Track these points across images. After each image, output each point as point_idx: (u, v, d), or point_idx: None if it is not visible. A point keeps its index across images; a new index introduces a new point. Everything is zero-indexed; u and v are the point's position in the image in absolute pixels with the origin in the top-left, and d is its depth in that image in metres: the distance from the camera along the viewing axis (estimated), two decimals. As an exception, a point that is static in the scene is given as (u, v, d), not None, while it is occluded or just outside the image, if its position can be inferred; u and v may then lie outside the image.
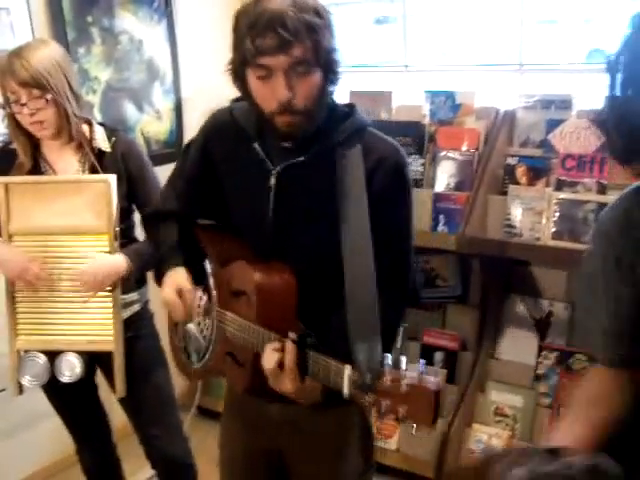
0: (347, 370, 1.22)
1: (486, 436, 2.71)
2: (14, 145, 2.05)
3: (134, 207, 2.16)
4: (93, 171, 2.05)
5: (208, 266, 1.63)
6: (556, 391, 2.69)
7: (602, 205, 2.42)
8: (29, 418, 2.83)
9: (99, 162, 2.05)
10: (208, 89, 3.34)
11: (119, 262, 2.03)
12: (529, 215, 2.64)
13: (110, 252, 2.03)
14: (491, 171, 2.74)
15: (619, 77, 1.24)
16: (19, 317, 2.11)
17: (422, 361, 1.18)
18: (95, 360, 2.18)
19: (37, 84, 1.91)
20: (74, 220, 2.03)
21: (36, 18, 2.64)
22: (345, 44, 3.46)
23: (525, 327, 2.83)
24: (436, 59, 3.27)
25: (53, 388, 2.18)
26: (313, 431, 1.60)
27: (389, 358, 1.17)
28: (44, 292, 2.07)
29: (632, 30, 1.22)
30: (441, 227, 2.75)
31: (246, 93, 1.41)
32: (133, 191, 2.11)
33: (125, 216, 2.10)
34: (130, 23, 3.03)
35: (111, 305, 2.08)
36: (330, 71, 1.37)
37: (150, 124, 3.21)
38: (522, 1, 2.85)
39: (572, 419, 1.39)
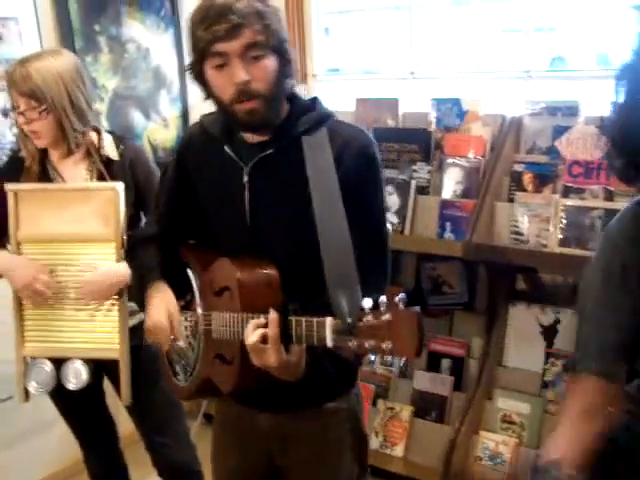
0: (328, 320, 1.24)
1: (493, 443, 2.70)
2: (23, 153, 2.06)
3: (141, 215, 2.17)
4: (101, 179, 2.06)
5: (191, 276, 1.65)
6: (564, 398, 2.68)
7: (609, 212, 2.41)
8: (36, 425, 2.84)
9: (107, 170, 2.06)
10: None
11: (123, 270, 2.03)
12: (536, 222, 2.63)
13: (117, 260, 2.04)
14: (498, 178, 2.74)
15: (624, 87, 1.25)
16: (26, 324, 2.12)
17: (402, 295, 1.17)
18: (102, 367, 2.18)
19: (33, 95, 1.92)
20: (82, 227, 2.04)
21: (44, 27, 2.67)
22: (352, 51, 3.49)
23: (532, 334, 2.82)
24: (442, 66, 3.27)
25: (60, 395, 2.18)
26: (305, 440, 1.60)
27: (369, 301, 1.18)
28: (51, 299, 2.08)
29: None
30: (448, 234, 2.75)
31: (207, 90, 1.45)
32: (140, 199, 2.12)
33: (132, 224, 2.11)
34: (137, 31, 3.04)
35: (117, 313, 2.08)
36: (284, 58, 1.42)
37: (157, 132, 3.22)
38: (528, 8, 2.85)
39: (563, 433, 1.40)
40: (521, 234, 2.65)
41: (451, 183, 2.81)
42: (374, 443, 2.88)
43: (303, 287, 1.42)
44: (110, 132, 2.15)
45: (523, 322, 2.85)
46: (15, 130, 2.08)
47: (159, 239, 1.70)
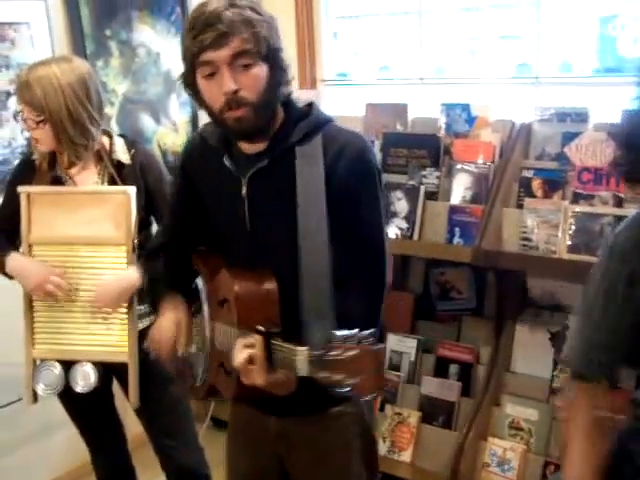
0: (302, 350, 1.24)
1: (501, 450, 2.70)
2: (35, 156, 2.07)
3: (152, 219, 2.18)
4: (112, 182, 2.07)
5: (200, 283, 1.67)
6: (572, 405, 2.67)
7: (618, 218, 2.41)
8: (44, 427, 2.85)
9: (118, 174, 2.07)
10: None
11: (133, 277, 2.04)
12: (545, 228, 2.62)
13: (128, 263, 2.05)
14: (507, 184, 2.73)
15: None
16: (36, 326, 2.13)
17: (372, 330, 1.19)
18: (111, 370, 2.19)
19: (32, 105, 1.93)
20: (93, 231, 2.05)
21: (56, 32, 2.69)
22: (362, 56, 3.49)
23: (541, 340, 2.81)
24: (452, 72, 3.28)
25: (69, 397, 2.19)
26: (309, 444, 1.61)
27: (342, 334, 1.19)
28: (61, 302, 2.09)
29: None
30: (457, 240, 2.74)
31: (199, 100, 1.45)
32: (151, 203, 2.13)
33: (143, 227, 2.12)
34: (148, 36, 3.06)
35: (126, 316, 2.09)
36: (276, 67, 1.41)
37: (167, 136, 3.23)
38: (539, 14, 2.85)
39: (573, 459, 1.42)
40: (530, 240, 2.64)
41: (460, 189, 2.81)
42: (381, 448, 2.87)
43: (294, 305, 1.41)
44: (122, 136, 2.16)
45: (532, 328, 2.84)
46: (27, 133, 2.09)
47: (170, 247, 1.71)
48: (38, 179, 2.07)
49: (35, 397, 2.15)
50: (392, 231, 2.80)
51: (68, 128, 1.94)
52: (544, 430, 2.70)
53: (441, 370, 2.94)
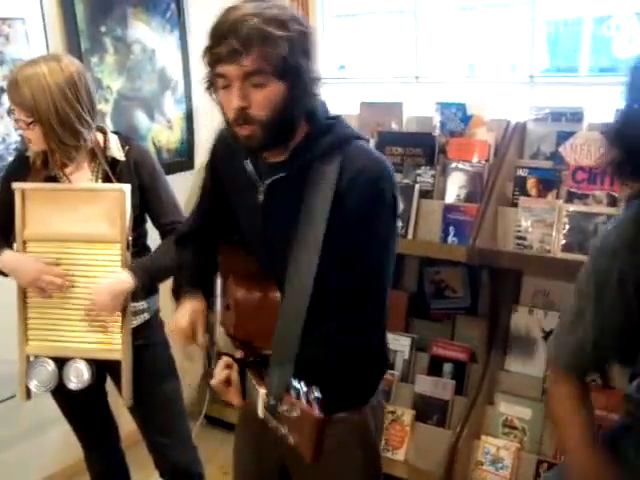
0: (262, 392, 1.25)
1: (494, 448, 2.70)
2: (29, 152, 2.06)
3: (145, 216, 2.17)
4: (106, 179, 2.07)
5: (218, 282, 1.66)
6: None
7: (612, 217, 2.41)
8: (38, 424, 2.85)
9: (112, 171, 2.06)
10: (219, 99, 3.36)
11: (127, 280, 2.04)
12: (539, 227, 2.63)
13: (122, 261, 2.04)
14: (501, 183, 2.74)
15: (629, 91, 1.28)
16: (29, 323, 2.12)
17: (317, 394, 1.16)
18: (105, 367, 2.19)
19: (22, 106, 1.90)
20: (88, 228, 2.04)
21: (50, 28, 2.67)
22: (357, 55, 3.49)
23: (534, 339, 2.82)
24: (447, 71, 3.28)
25: (62, 394, 2.18)
26: None
27: (301, 385, 1.16)
28: (55, 299, 2.08)
29: None
30: (451, 238, 2.75)
31: (220, 104, 1.43)
32: (145, 200, 2.12)
33: (137, 225, 2.11)
34: (143, 33, 3.05)
35: (120, 313, 2.09)
36: (295, 85, 1.35)
37: (161, 133, 3.23)
38: (533, 14, 2.86)
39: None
40: (524, 239, 2.65)
41: (455, 187, 2.82)
42: (375, 447, 2.88)
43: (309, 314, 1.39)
44: (116, 132, 2.16)
45: (525, 327, 2.85)
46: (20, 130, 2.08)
47: (199, 235, 1.72)
48: (33, 176, 2.06)
49: (28, 394, 2.14)
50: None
51: (57, 129, 1.91)
52: (537, 428, 2.71)
53: (435, 369, 2.95)
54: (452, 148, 2.88)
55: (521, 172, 2.76)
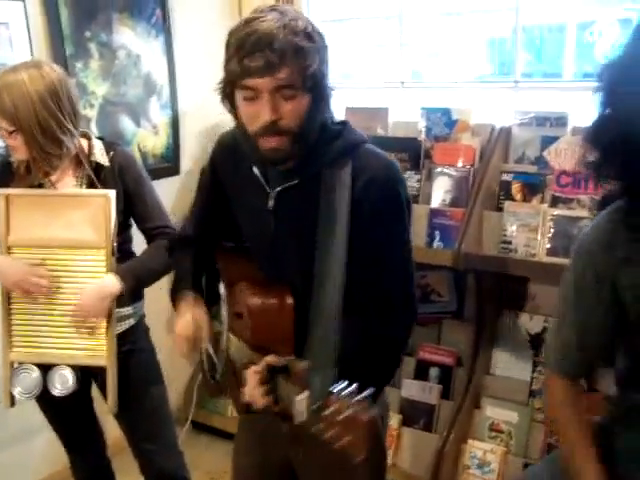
0: (302, 397, 1.23)
1: (481, 452, 2.71)
2: (13, 158, 2.05)
3: (130, 222, 2.17)
4: (91, 185, 2.06)
5: (222, 289, 1.66)
6: (551, 407, 2.69)
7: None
8: (24, 431, 2.82)
9: (97, 176, 2.05)
10: (205, 104, 3.36)
11: (112, 285, 2.02)
12: (524, 231, 2.65)
13: (107, 267, 2.04)
14: (486, 187, 2.75)
15: (602, 95, 1.31)
16: (14, 329, 2.10)
17: (368, 391, 1.16)
18: (90, 374, 2.17)
19: (4, 115, 1.88)
20: (73, 234, 2.03)
21: (35, 33, 2.66)
22: (342, 61, 3.50)
23: (520, 343, 2.84)
24: (432, 76, 3.29)
25: (47, 401, 2.16)
26: (323, 448, 1.60)
27: (345, 387, 1.16)
28: (40, 305, 2.07)
29: (618, 54, 1.28)
30: (437, 243, 2.76)
31: (234, 113, 1.42)
32: (130, 206, 2.11)
33: (121, 230, 2.10)
34: (128, 38, 3.04)
35: (105, 319, 2.08)
36: (319, 96, 1.37)
37: (147, 138, 3.22)
38: (517, 20, 2.87)
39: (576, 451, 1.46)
40: (510, 243, 2.66)
41: (440, 192, 2.83)
42: (362, 451, 2.87)
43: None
44: (100, 138, 2.15)
45: (511, 331, 2.86)
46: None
47: (197, 241, 1.70)
48: (17, 182, 2.05)
49: (12, 401, 2.13)
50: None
51: (39, 138, 1.89)
52: (524, 432, 2.72)
53: (421, 373, 2.95)
54: (437, 153, 2.89)
55: (506, 176, 2.77)
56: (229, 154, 1.59)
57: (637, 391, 1.46)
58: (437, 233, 2.75)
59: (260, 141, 1.36)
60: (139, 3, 3.07)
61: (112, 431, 2.41)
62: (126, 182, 2.10)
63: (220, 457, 2.95)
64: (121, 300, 2.09)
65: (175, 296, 1.65)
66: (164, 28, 3.21)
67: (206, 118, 3.33)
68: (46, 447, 2.85)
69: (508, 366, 2.85)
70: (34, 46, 2.66)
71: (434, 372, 2.92)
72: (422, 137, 2.96)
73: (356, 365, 1.28)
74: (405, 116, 3.10)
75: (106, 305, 2.03)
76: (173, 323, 1.62)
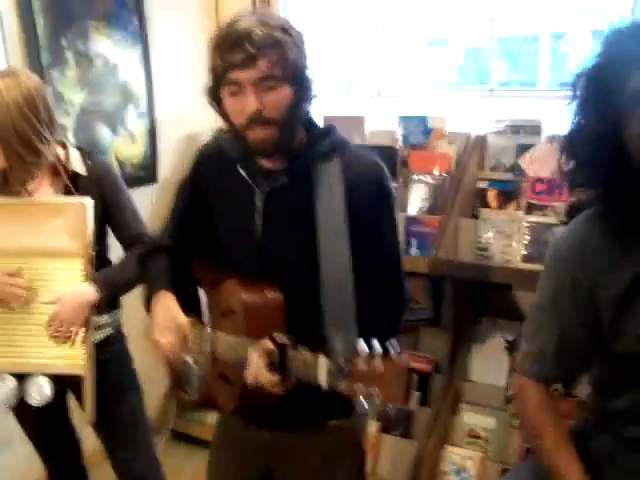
0: (324, 361, 1.24)
1: (459, 458, 2.73)
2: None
3: (107, 230, 2.16)
4: (68, 193, 2.05)
5: (201, 293, 1.66)
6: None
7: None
8: (2, 441, 2.79)
9: (74, 185, 2.04)
10: (182, 112, 3.37)
11: (88, 293, 2.02)
12: (500, 238, 2.67)
13: (85, 275, 2.03)
14: (463, 195, 2.78)
15: (575, 105, 1.34)
16: (-11, 339, 2.09)
17: (394, 343, 1.19)
18: (66, 383, 2.16)
19: None
20: (49, 242, 2.02)
21: (10, 41, 2.64)
22: (319, 70, 3.51)
23: (497, 349, 2.86)
24: (409, 85, 3.32)
25: (23, 411, 2.14)
26: (304, 456, 1.62)
27: (364, 346, 1.18)
28: (16, 314, 2.05)
29: (589, 64, 1.31)
30: (414, 250, 2.78)
31: (222, 114, 1.46)
32: (108, 214, 2.11)
33: (98, 239, 2.10)
34: (105, 47, 3.04)
35: (83, 328, 2.06)
36: (301, 87, 1.42)
37: (124, 147, 3.21)
38: (492, 30, 2.91)
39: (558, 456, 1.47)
40: (486, 250, 2.69)
41: (417, 200, 2.85)
42: (341, 459, 2.88)
43: (303, 318, 1.42)
44: (78, 147, 2.14)
45: (488, 337, 2.88)
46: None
47: (172, 251, 1.69)
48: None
49: (-12, 411, 2.11)
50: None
51: (16, 147, 1.88)
52: (501, 437, 2.74)
53: (399, 380, 2.95)
54: (414, 161, 2.91)
55: (482, 184, 2.80)
56: (213, 162, 1.61)
57: (611, 395, 1.48)
58: (414, 240, 2.77)
59: (248, 134, 1.41)
60: (116, 12, 3.06)
61: (89, 441, 2.40)
62: (103, 190, 2.09)
63: (200, 466, 2.92)
64: (98, 308, 2.08)
65: (149, 299, 1.63)
66: (141, 37, 3.21)
67: (184, 126, 3.33)
68: (22, 458, 2.82)
69: (485, 372, 2.87)
70: (10, 55, 2.65)
71: (412, 379, 2.94)
72: (399, 145, 2.98)
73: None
74: (382, 125, 3.13)
75: (82, 313, 2.02)
76: (150, 331, 1.60)
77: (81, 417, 2.22)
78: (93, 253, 2.04)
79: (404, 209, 2.87)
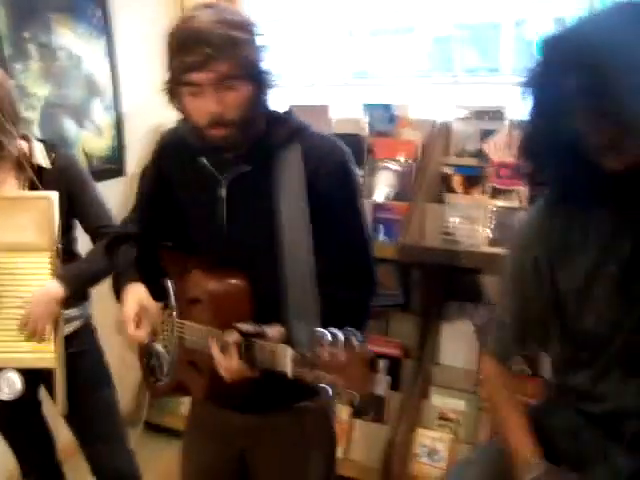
0: (289, 351, 1.26)
1: (430, 440, 2.77)
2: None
3: (74, 223, 2.16)
4: (32, 188, 2.04)
5: (168, 282, 1.66)
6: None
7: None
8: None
9: (39, 178, 2.04)
10: (149, 104, 3.34)
11: (56, 290, 2.02)
12: (466, 223, 2.71)
13: (52, 269, 2.03)
14: (428, 181, 2.81)
15: (529, 103, 1.35)
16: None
17: (358, 334, 1.19)
18: (38, 376, 2.16)
19: None
20: (15, 237, 2.01)
21: (-29, 34, 2.62)
22: (285, 59, 3.52)
23: (466, 333, 2.89)
24: (375, 73, 3.34)
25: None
26: (275, 438, 1.64)
27: (327, 336, 1.19)
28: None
29: (537, 62, 1.31)
30: (381, 237, 2.80)
31: (182, 110, 1.45)
32: (74, 207, 2.10)
33: (65, 232, 2.09)
34: (68, 39, 3.02)
35: (52, 322, 2.06)
36: (261, 82, 1.42)
37: (90, 140, 3.20)
38: (455, 16, 2.94)
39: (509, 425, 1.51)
40: (452, 235, 2.72)
41: (383, 187, 2.87)
42: (314, 445, 2.90)
43: (269, 306, 1.41)
44: (41, 140, 2.13)
45: (457, 321, 2.92)
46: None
47: (138, 239, 1.70)
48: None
49: (-41, 408, 2.11)
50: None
51: None
52: (471, 420, 2.78)
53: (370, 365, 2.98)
54: (379, 148, 2.93)
55: (447, 170, 2.83)
56: (173, 150, 1.62)
57: (569, 372, 1.52)
58: (381, 227, 2.80)
59: (209, 133, 1.41)
60: (78, 4, 3.04)
61: (63, 434, 2.40)
62: (68, 183, 2.09)
63: (174, 457, 2.92)
64: (67, 302, 2.08)
65: (119, 290, 1.64)
66: (105, 29, 3.19)
67: (150, 118, 3.32)
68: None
69: (455, 356, 2.91)
70: (-29, 48, 2.63)
71: (382, 364, 2.96)
72: (365, 133, 3.00)
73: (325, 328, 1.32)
74: (348, 113, 3.14)
75: (53, 310, 2.02)
76: (121, 323, 1.61)
77: (53, 411, 2.22)
78: (60, 247, 2.04)
79: (371, 196, 2.89)
